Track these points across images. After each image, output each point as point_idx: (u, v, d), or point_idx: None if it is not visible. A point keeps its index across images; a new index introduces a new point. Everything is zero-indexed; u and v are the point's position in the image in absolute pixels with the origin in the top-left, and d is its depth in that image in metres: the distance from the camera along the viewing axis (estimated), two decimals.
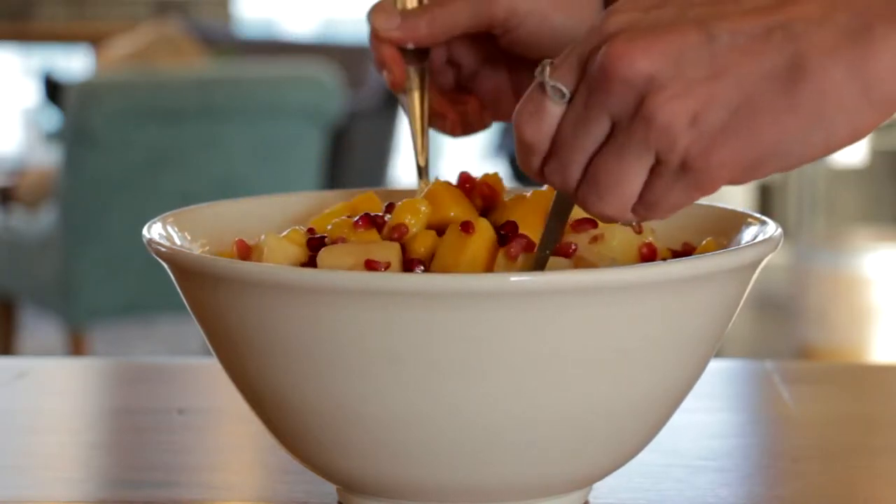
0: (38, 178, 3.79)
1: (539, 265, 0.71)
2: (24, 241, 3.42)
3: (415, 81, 0.85)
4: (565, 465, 0.71)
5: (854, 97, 0.62)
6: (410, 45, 0.85)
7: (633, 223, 0.72)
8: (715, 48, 0.62)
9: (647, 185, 0.65)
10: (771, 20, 0.62)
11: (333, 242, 0.74)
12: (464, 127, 0.89)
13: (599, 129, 0.64)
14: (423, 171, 0.85)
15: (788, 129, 0.63)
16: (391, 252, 0.72)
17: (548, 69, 0.65)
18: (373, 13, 0.85)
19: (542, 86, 0.65)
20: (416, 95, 0.85)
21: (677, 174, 0.64)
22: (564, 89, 0.64)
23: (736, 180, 0.64)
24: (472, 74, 0.90)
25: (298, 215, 0.85)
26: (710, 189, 0.64)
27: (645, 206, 0.65)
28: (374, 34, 0.85)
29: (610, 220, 0.66)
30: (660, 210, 0.65)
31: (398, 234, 0.74)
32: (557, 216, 0.71)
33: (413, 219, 0.75)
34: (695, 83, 0.62)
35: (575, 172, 0.65)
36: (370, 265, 0.71)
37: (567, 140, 0.65)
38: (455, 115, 0.89)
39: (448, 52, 0.88)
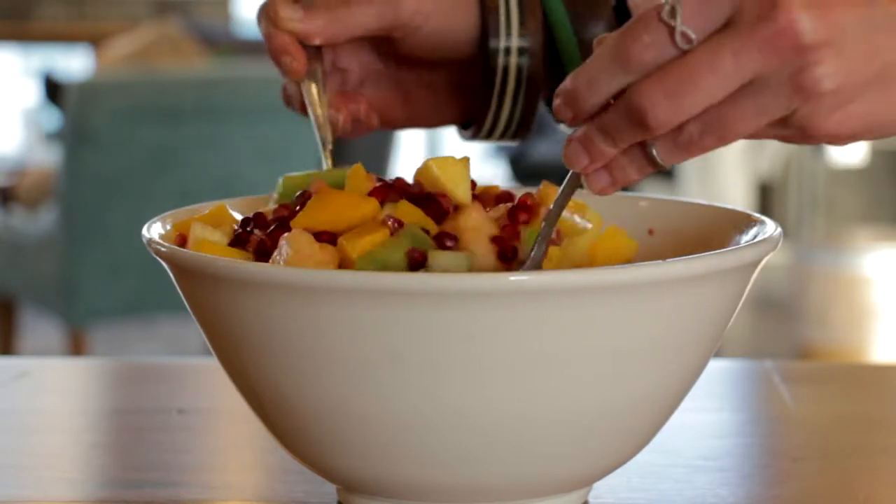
0: (38, 178, 3.78)
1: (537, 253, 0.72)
2: (24, 241, 3.42)
3: (314, 72, 0.86)
4: (565, 465, 0.71)
5: None
6: (315, 42, 0.85)
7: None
8: (873, 19, 0.64)
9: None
10: None
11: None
12: (354, 126, 0.89)
13: (738, 81, 0.64)
14: (328, 150, 0.86)
15: None
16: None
17: (680, 14, 0.64)
18: (275, 2, 0.85)
19: (666, 26, 0.64)
20: (314, 85, 0.86)
21: (791, 128, 0.67)
22: (693, 35, 0.64)
23: (843, 141, 0.68)
24: (359, 82, 0.90)
25: None
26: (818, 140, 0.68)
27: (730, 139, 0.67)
28: (274, 23, 0.85)
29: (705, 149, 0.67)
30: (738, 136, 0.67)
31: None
32: (561, 206, 0.72)
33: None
34: (851, 58, 0.64)
35: (691, 110, 0.65)
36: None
37: (697, 80, 0.64)
38: (346, 114, 0.89)
39: (334, 57, 0.89)
